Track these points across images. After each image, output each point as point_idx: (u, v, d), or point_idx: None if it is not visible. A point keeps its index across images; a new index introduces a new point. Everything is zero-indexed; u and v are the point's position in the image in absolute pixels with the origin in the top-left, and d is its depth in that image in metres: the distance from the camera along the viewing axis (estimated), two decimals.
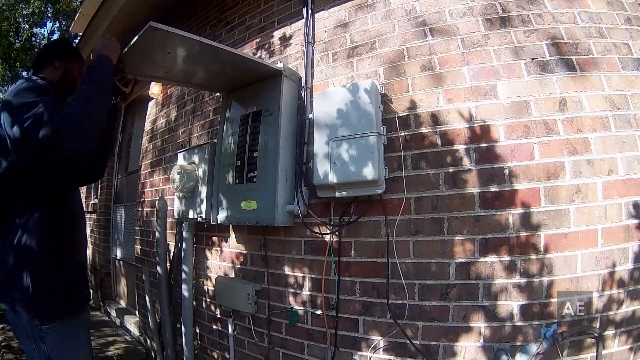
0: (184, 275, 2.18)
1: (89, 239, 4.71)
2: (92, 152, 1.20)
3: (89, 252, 4.66)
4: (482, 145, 1.40)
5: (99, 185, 4.44)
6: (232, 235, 2.06)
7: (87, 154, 1.12)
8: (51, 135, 1.03)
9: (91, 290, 4.21)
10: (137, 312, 3.24)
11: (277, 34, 2.07)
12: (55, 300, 1.14)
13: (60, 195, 1.20)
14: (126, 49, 1.38)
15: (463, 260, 1.37)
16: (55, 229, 1.16)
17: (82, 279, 1.32)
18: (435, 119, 1.49)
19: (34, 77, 1.23)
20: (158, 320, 2.49)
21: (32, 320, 1.09)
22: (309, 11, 1.89)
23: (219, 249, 2.15)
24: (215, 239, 2.18)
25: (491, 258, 1.34)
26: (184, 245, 2.21)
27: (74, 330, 1.20)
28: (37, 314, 1.10)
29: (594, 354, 1.26)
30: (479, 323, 1.33)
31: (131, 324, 3.25)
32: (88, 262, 4.61)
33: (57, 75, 1.27)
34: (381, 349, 1.47)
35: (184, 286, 2.18)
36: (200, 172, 2.09)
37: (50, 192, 1.16)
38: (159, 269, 2.36)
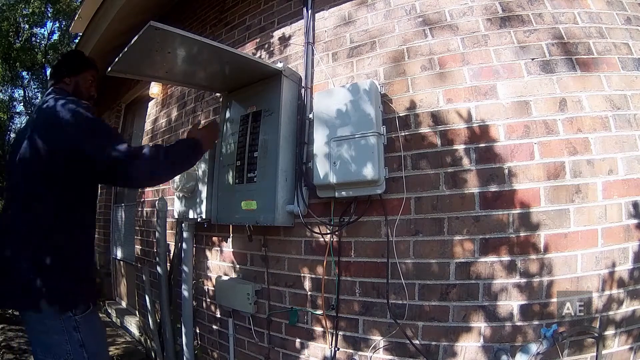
0: (184, 275, 2.18)
1: None
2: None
3: None
4: (482, 145, 1.40)
5: (99, 185, 4.44)
6: (232, 235, 2.06)
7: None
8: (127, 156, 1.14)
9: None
10: (137, 312, 3.24)
11: (277, 34, 2.07)
12: (85, 288, 1.24)
13: (86, 192, 1.29)
14: (126, 49, 1.38)
15: (463, 260, 1.37)
16: (82, 223, 1.26)
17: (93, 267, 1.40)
18: (435, 119, 1.49)
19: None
20: (158, 320, 2.49)
21: (66, 312, 1.15)
22: (309, 11, 1.89)
23: (219, 249, 2.15)
24: (215, 239, 2.18)
25: (491, 258, 1.34)
26: (184, 245, 2.21)
27: (98, 320, 1.32)
28: (72, 305, 1.17)
29: (594, 354, 1.26)
30: (479, 323, 1.33)
31: (131, 324, 3.26)
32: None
33: (71, 89, 1.38)
34: (381, 349, 1.47)
35: (184, 286, 2.18)
36: (200, 172, 2.09)
37: (83, 190, 1.25)
38: (159, 269, 2.36)
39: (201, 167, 2.09)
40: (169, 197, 2.53)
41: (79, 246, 1.24)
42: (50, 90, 1.35)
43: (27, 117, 13.14)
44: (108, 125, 1.29)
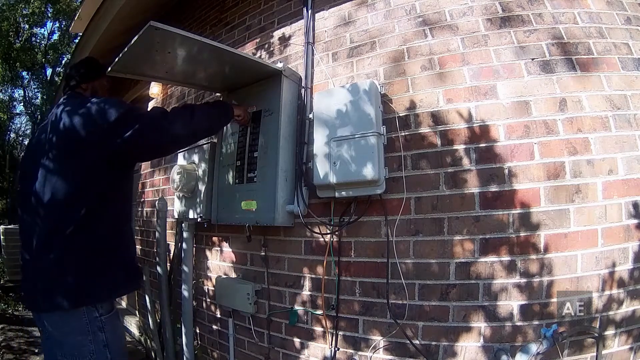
0: (184, 275, 2.18)
1: None
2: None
3: None
4: (482, 145, 1.40)
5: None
6: (232, 235, 2.06)
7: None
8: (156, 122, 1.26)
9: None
10: (137, 312, 3.24)
11: (277, 34, 2.07)
12: (110, 284, 1.24)
13: (117, 186, 1.30)
14: (126, 49, 1.38)
15: (463, 260, 1.37)
16: (116, 217, 1.29)
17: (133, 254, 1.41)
18: (435, 119, 1.49)
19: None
20: (158, 320, 2.49)
21: (92, 312, 1.17)
22: (309, 11, 1.89)
23: (219, 249, 2.15)
24: (215, 239, 2.18)
25: (491, 258, 1.34)
26: (184, 245, 2.21)
27: (120, 321, 1.34)
28: (94, 300, 1.19)
29: (594, 354, 1.26)
30: (479, 323, 1.33)
31: (131, 324, 3.25)
32: None
33: (89, 94, 1.41)
34: (381, 349, 1.47)
35: (184, 286, 2.18)
36: (200, 172, 2.09)
37: (113, 181, 1.26)
38: (159, 269, 2.36)
39: (201, 167, 2.09)
40: (169, 197, 2.53)
41: (113, 240, 1.26)
42: (66, 95, 1.34)
43: (28, 117, 13.15)
44: (129, 108, 1.27)
